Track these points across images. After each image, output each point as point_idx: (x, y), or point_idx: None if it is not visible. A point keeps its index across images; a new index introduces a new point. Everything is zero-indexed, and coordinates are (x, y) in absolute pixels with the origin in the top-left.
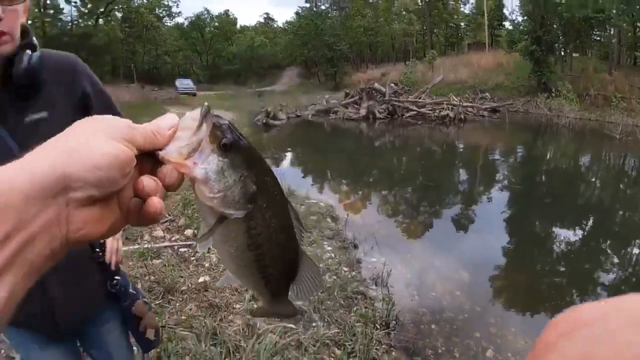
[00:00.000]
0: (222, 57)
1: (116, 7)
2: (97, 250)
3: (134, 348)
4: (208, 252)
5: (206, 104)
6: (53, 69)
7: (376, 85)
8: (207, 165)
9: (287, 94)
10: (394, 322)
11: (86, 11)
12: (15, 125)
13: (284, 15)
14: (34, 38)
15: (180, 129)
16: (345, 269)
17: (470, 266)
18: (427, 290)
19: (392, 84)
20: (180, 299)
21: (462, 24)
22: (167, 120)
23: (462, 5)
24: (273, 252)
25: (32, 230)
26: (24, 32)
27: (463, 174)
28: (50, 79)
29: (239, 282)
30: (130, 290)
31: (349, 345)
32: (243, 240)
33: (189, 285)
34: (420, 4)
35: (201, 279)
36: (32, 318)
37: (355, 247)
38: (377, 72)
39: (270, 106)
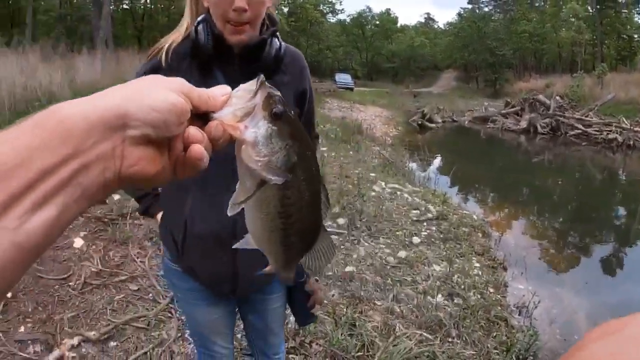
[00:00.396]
0: (381, 54)
1: (283, 2)
2: None
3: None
4: (358, 244)
5: (262, 75)
6: (289, 60)
7: (540, 96)
8: (257, 129)
9: (444, 97)
10: (532, 357)
11: None
12: None
13: (445, 16)
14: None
15: (233, 97)
16: (492, 290)
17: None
18: (571, 331)
19: (558, 97)
20: (325, 284)
21: (635, 35)
22: (221, 88)
23: (636, 15)
24: (300, 224)
25: (88, 158)
26: (272, 20)
27: (623, 210)
28: (284, 67)
29: (259, 247)
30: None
31: None
32: (275, 208)
33: (335, 272)
34: (590, 10)
35: (348, 269)
36: (215, 277)
37: (505, 269)
38: (541, 82)
39: (426, 108)
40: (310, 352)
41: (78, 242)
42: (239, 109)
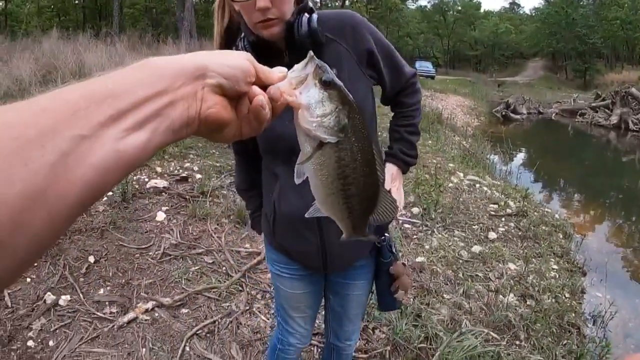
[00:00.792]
0: (464, 42)
1: None
2: None
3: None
4: (431, 234)
5: (310, 51)
6: (334, 27)
7: (633, 90)
8: (310, 95)
9: (530, 87)
10: None
11: None
12: None
13: (530, 0)
14: (310, 2)
15: (289, 74)
16: (567, 295)
17: None
18: None
19: None
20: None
21: None
22: (278, 68)
23: None
24: (357, 184)
25: (176, 96)
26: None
27: None
28: (332, 36)
29: (326, 213)
30: (394, 250)
31: None
32: (333, 170)
33: (406, 261)
34: None
35: (419, 259)
36: (305, 254)
37: (584, 274)
38: (634, 74)
39: (511, 98)
40: (372, 338)
41: (160, 216)
42: (294, 77)
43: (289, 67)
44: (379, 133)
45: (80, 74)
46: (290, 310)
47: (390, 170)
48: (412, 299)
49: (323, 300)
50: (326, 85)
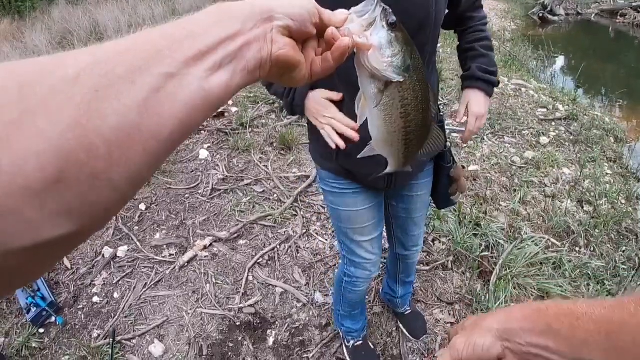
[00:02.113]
0: None
1: None
2: (441, 113)
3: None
4: (481, 142)
5: None
6: None
7: None
8: (380, 36)
9: None
10: None
11: None
12: None
13: None
14: None
15: (353, 14)
16: (623, 201)
17: None
18: None
19: None
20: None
21: None
22: (340, 11)
23: None
24: (416, 122)
25: (249, 37)
26: None
27: None
28: None
29: (382, 151)
30: (454, 154)
31: (608, 285)
32: (397, 109)
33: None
34: None
35: (472, 167)
36: (372, 174)
37: (638, 179)
38: None
39: None
40: (433, 249)
41: (203, 154)
42: (364, 19)
43: None
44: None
45: (95, 32)
46: (356, 235)
47: (472, 98)
48: (469, 208)
49: None
50: (393, 27)
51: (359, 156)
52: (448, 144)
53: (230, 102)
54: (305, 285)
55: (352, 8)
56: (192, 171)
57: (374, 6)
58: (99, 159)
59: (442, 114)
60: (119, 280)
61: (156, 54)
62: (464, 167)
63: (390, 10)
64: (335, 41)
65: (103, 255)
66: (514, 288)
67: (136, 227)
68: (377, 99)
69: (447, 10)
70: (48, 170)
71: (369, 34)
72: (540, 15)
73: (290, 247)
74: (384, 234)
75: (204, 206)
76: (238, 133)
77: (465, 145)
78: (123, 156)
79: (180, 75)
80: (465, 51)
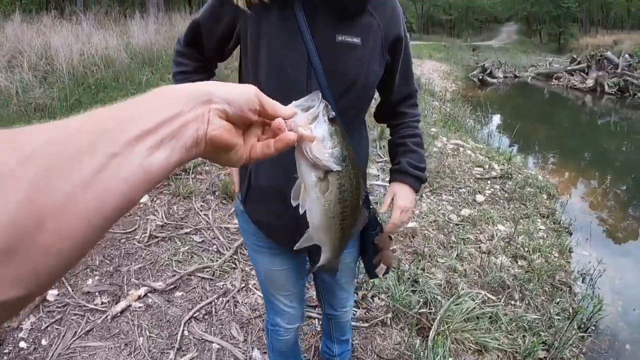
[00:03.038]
0: (437, 6)
1: None
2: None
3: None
4: (419, 199)
5: (318, 92)
6: (377, 2)
7: (608, 54)
8: (323, 129)
9: (505, 51)
10: (593, 327)
11: None
12: (324, 41)
13: None
14: None
15: (298, 110)
16: (556, 254)
17: None
18: (632, 305)
19: (627, 55)
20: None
21: None
22: (289, 107)
23: None
24: (352, 205)
25: (188, 118)
26: None
27: None
28: (371, 9)
29: (319, 240)
30: (380, 221)
31: (544, 336)
32: (335, 195)
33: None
34: None
35: (410, 224)
36: (277, 229)
37: (570, 233)
38: (608, 38)
39: (487, 62)
40: (372, 306)
41: (143, 198)
42: (310, 113)
43: (314, 12)
44: None
45: (46, 55)
46: (273, 289)
47: (399, 191)
48: (408, 265)
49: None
50: (333, 121)
51: (295, 247)
52: (372, 207)
53: None
54: (243, 341)
55: (294, 102)
56: (130, 215)
57: (318, 102)
58: (49, 233)
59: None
60: (47, 326)
61: (103, 135)
62: (391, 238)
63: (330, 107)
64: (281, 132)
65: None
66: (452, 343)
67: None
68: (318, 187)
69: (379, 94)
70: (1, 242)
71: (313, 126)
72: (480, 77)
73: (228, 301)
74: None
75: (140, 253)
76: (180, 178)
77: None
78: (70, 230)
79: (123, 154)
80: (396, 145)
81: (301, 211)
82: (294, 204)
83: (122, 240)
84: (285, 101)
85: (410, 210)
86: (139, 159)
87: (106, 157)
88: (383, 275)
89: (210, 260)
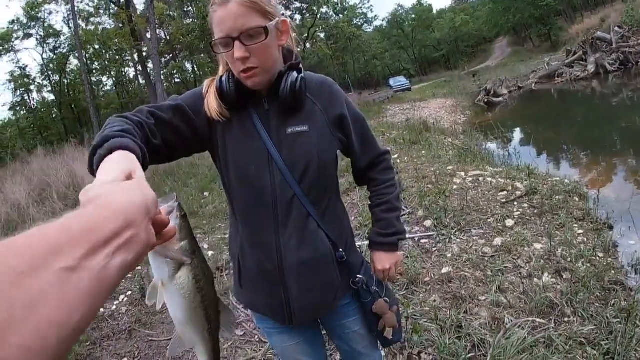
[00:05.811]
0: (427, 46)
1: (317, 29)
2: (341, 250)
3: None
4: (449, 242)
5: (174, 193)
6: (314, 89)
7: (599, 33)
8: (174, 222)
9: (503, 67)
10: None
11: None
12: (278, 136)
13: None
14: (300, 61)
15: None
16: (600, 255)
17: None
18: None
19: (617, 28)
20: (424, 290)
21: None
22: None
23: None
24: (210, 295)
25: (139, 229)
26: (290, 53)
27: None
28: (311, 97)
29: (189, 337)
30: (374, 287)
31: (605, 344)
32: (192, 284)
33: (432, 276)
34: None
35: (444, 270)
36: (271, 308)
37: (610, 228)
38: (594, 19)
39: (488, 84)
40: None
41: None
42: (165, 207)
43: (267, 114)
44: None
45: (73, 184)
46: None
47: (375, 258)
48: (448, 311)
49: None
50: (184, 218)
51: (167, 353)
52: (359, 277)
53: (205, 246)
54: None
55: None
56: (172, 321)
57: (173, 201)
58: (16, 352)
59: (341, 250)
60: None
61: (56, 249)
62: (387, 301)
63: (181, 206)
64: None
65: None
66: None
67: None
68: (174, 279)
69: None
70: None
71: (169, 220)
72: (485, 100)
73: None
74: None
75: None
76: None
77: (435, 249)
78: (39, 347)
79: (80, 268)
80: (371, 213)
81: (158, 307)
82: (149, 304)
83: (168, 347)
84: (254, 196)
85: (391, 267)
86: (97, 271)
87: (64, 272)
88: (394, 339)
89: (254, 350)
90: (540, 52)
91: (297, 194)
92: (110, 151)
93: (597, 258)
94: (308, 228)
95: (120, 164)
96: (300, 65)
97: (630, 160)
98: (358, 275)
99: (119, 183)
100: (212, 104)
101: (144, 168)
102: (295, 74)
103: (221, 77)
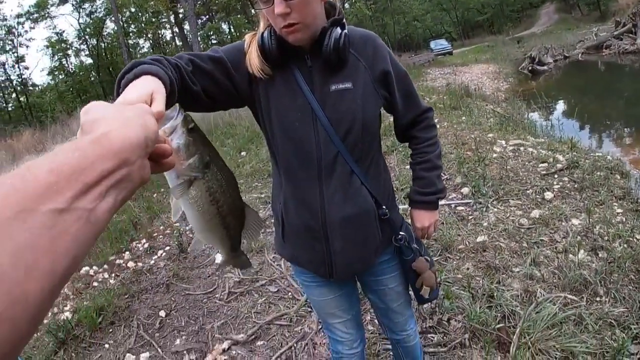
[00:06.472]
0: (471, 9)
1: None
2: (384, 207)
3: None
4: (486, 211)
5: (177, 105)
6: (357, 45)
7: None
8: (179, 140)
9: (549, 35)
10: None
11: None
12: (321, 93)
13: None
14: (343, 16)
15: (164, 122)
16: (638, 237)
17: None
18: None
19: None
20: (458, 257)
21: None
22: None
23: None
24: (228, 204)
25: (133, 168)
26: (333, 8)
27: None
28: (355, 53)
29: (207, 241)
30: (414, 245)
31: (635, 329)
32: (206, 198)
33: (466, 244)
34: None
35: (479, 239)
36: (312, 263)
37: None
38: None
39: (533, 51)
40: (449, 329)
41: (218, 258)
42: (167, 127)
43: (310, 71)
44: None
45: None
46: (328, 318)
47: (414, 215)
48: (481, 280)
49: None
50: (191, 131)
51: (188, 249)
52: (402, 234)
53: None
54: None
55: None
56: (209, 276)
57: (176, 114)
58: (1, 300)
59: (384, 207)
60: None
61: (45, 191)
62: (427, 260)
63: (190, 117)
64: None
65: None
66: (536, 354)
67: (157, 334)
68: (186, 194)
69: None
70: None
71: (170, 139)
72: (530, 68)
73: (307, 344)
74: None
75: (221, 310)
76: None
77: (471, 217)
78: (22, 294)
79: (69, 209)
80: (412, 171)
81: (174, 218)
82: (174, 219)
83: (204, 301)
84: (299, 153)
85: (430, 225)
86: (86, 213)
87: (52, 214)
88: (431, 297)
89: (287, 307)
90: (588, 21)
91: (341, 152)
92: (137, 76)
93: (635, 240)
94: (352, 185)
95: (144, 88)
96: (344, 21)
97: None
98: (400, 233)
99: (121, 108)
100: (253, 61)
101: (172, 100)
102: (338, 29)
103: (262, 33)
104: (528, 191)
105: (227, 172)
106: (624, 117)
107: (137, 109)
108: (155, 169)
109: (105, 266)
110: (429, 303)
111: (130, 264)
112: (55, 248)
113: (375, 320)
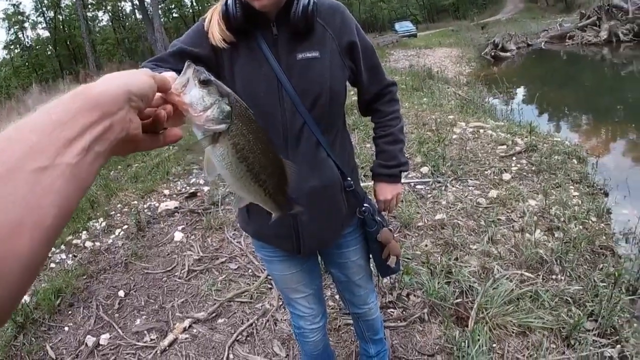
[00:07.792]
0: None
1: None
2: (349, 179)
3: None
4: (445, 190)
5: (188, 60)
6: (325, 14)
7: (616, 1)
8: (191, 93)
9: (514, 22)
10: None
11: None
12: (287, 62)
13: None
14: None
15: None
16: (593, 219)
17: None
18: None
19: None
20: (417, 234)
21: None
22: (170, 74)
23: None
24: (259, 160)
25: (113, 120)
26: None
27: None
28: (322, 22)
29: (246, 198)
30: (377, 217)
31: (590, 306)
32: (233, 156)
33: (425, 221)
34: None
35: (438, 216)
36: (279, 237)
37: (606, 194)
38: None
39: (497, 37)
40: (408, 304)
41: (178, 236)
42: (177, 83)
43: (275, 39)
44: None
45: None
46: (290, 293)
47: (377, 188)
48: (439, 257)
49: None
50: (204, 83)
51: (232, 206)
52: (366, 206)
53: (201, 182)
54: (286, 357)
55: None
56: (168, 254)
57: (185, 68)
58: None
59: (349, 179)
60: None
61: (29, 150)
62: (391, 230)
63: (203, 69)
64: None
65: (86, 344)
66: (494, 329)
67: (117, 315)
68: (213, 151)
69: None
70: None
71: (182, 93)
72: (493, 54)
73: (268, 320)
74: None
75: (181, 288)
76: (210, 212)
77: (430, 195)
78: (11, 249)
79: (52, 166)
80: (375, 145)
81: (210, 179)
82: (209, 179)
83: (164, 279)
84: (265, 124)
85: (393, 198)
86: (69, 168)
87: (37, 172)
88: (397, 267)
89: (247, 284)
90: (553, 11)
91: (308, 122)
92: None
93: (590, 222)
94: (318, 156)
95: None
96: None
97: (632, 132)
98: (365, 204)
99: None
100: (214, 31)
101: None
102: None
103: (227, 0)
104: (486, 172)
105: (255, 126)
106: (582, 106)
107: (125, 71)
108: (176, 122)
109: (63, 247)
110: (389, 278)
111: (88, 243)
112: (41, 203)
113: (336, 296)
